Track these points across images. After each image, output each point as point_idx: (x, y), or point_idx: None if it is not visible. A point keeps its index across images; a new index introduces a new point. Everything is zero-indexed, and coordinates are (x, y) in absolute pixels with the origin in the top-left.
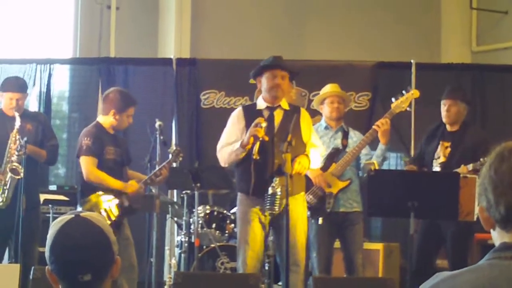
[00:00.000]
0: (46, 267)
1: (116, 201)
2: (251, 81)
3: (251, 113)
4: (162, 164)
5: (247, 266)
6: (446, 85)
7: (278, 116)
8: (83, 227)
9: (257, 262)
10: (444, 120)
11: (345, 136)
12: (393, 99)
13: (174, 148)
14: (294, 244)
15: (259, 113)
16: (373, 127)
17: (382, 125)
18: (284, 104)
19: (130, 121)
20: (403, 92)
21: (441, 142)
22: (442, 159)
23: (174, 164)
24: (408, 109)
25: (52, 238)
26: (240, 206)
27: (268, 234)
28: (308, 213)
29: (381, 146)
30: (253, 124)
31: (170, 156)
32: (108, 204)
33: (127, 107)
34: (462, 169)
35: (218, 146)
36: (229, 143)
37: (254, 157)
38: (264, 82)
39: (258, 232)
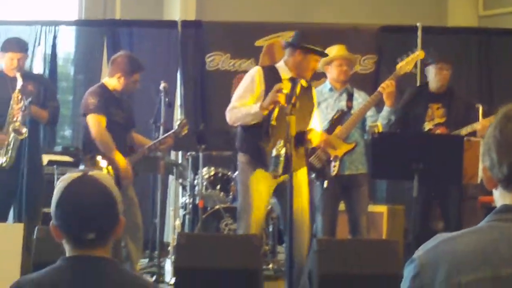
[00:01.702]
0: (51, 221)
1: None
2: (257, 43)
3: (272, 77)
4: (167, 134)
5: (250, 231)
6: (426, 49)
7: (297, 89)
8: (90, 185)
9: (260, 227)
10: (435, 85)
11: (350, 98)
12: (398, 60)
13: (181, 119)
14: (298, 207)
15: (281, 80)
16: (378, 89)
17: (387, 87)
18: (303, 81)
19: (136, 86)
20: (409, 53)
21: (430, 105)
22: (437, 120)
23: (180, 136)
24: (413, 70)
25: (59, 194)
26: (243, 169)
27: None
28: (313, 175)
29: (386, 108)
30: (274, 89)
31: (176, 126)
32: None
33: (134, 72)
34: (464, 131)
35: (230, 106)
36: (243, 104)
37: (272, 122)
38: (303, 60)
39: (261, 200)
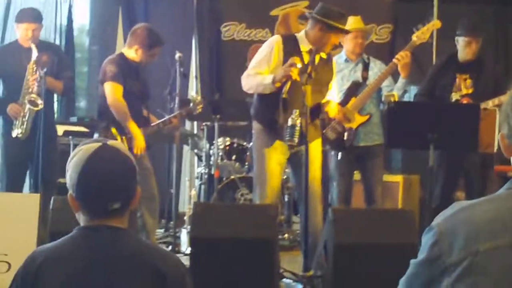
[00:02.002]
0: (69, 193)
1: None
2: (273, 12)
3: (291, 48)
4: (180, 111)
5: (266, 200)
6: (461, 19)
7: (316, 61)
8: (113, 155)
9: (275, 197)
10: (463, 56)
11: (366, 67)
12: (414, 30)
13: (196, 97)
14: (310, 178)
15: (299, 52)
16: (393, 60)
17: (402, 58)
18: (323, 54)
19: (154, 60)
20: (425, 22)
21: (457, 75)
22: (464, 91)
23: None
24: (429, 40)
25: (81, 165)
26: (258, 139)
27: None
28: (328, 147)
29: (401, 79)
30: (287, 64)
31: (191, 104)
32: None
33: (152, 46)
34: (490, 102)
35: (246, 72)
36: (258, 73)
37: (284, 96)
38: (323, 35)
39: (276, 169)
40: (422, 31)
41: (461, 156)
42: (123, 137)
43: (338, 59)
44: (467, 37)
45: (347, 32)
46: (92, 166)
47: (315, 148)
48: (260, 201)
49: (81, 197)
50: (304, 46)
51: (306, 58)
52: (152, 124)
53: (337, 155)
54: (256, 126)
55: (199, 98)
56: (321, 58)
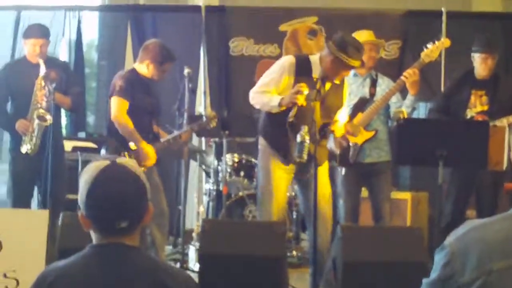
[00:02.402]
0: (80, 211)
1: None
2: (281, 28)
3: (303, 72)
4: (189, 127)
5: (273, 215)
6: (477, 35)
7: (327, 87)
8: (122, 173)
9: (281, 213)
10: (480, 72)
11: (373, 84)
12: (423, 48)
13: (210, 112)
14: (321, 196)
15: (311, 76)
16: (401, 77)
17: (410, 75)
18: (337, 79)
19: (164, 76)
20: (434, 41)
21: (473, 91)
22: (479, 108)
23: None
24: (438, 59)
25: (90, 184)
26: (265, 154)
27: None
28: (335, 163)
29: (410, 97)
30: (294, 90)
31: (204, 119)
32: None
33: (164, 62)
34: (505, 120)
35: (254, 88)
36: (266, 91)
37: (290, 120)
38: (335, 68)
39: (282, 184)
40: (431, 49)
41: (473, 174)
42: (125, 153)
43: None
44: (483, 53)
45: (357, 66)
46: (99, 185)
47: (324, 168)
48: (266, 217)
49: (90, 215)
50: (316, 71)
51: (315, 84)
52: (162, 140)
53: (342, 170)
54: (262, 141)
55: (213, 113)
56: (333, 83)
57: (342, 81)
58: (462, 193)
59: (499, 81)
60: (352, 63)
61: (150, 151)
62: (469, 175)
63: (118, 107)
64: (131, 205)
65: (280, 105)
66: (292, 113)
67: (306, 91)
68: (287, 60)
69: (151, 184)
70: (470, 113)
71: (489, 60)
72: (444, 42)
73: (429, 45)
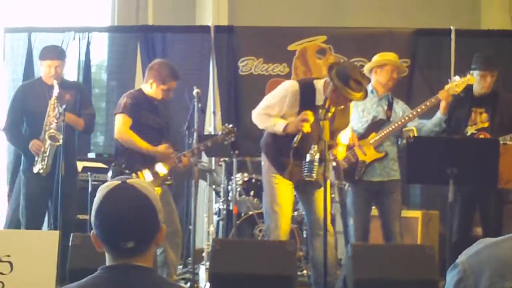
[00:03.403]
0: (92, 231)
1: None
2: (290, 47)
3: (306, 99)
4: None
5: (280, 231)
6: (476, 53)
7: (332, 110)
8: (129, 193)
9: (288, 226)
10: (478, 90)
11: (390, 106)
12: (449, 80)
13: (227, 126)
14: (319, 210)
15: (315, 106)
16: (432, 99)
17: (446, 98)
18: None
19: (169, 95)
20: (460, 76)
21: (473, 109)
22: (480, 125)
23: (225, 142)
24: (461, 94)
25: (97, 203)
26: (267, 169)
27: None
28: (346, 184)
29: (440, 115)
30: (300, 118)
31: (221, 134)
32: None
33: (167, 81)
34: (508, 138)
35: (259, 109)
36: (268, 114)
37: (294, 145)
38: (337, 96)
39: (287, 197)
40: (457, 83)
41: (476, 191)
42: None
43: None
44: (481, 71)
45: (356, 96)
46: (105, 205)
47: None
48: (274, 232)
49: (98, 235)
50: (320, 98)
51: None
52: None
53: (346, 186)
54: (263, 157)
55: (230, 127)
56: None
57: (348, 106)
58: (466, 210)
59: (498, 98)
60: (354, 97)
61: (165, 150)
62: (473, 192)
63: (121, 124)
64: (137, 225)
65: (285, 130)
66: (296, 139)
67: (311, 119)
68: (291, 87)
69: (163, 203)
70: (470, 130)
71: (488, 78)
72: (470, 79)
73: (456, 79)
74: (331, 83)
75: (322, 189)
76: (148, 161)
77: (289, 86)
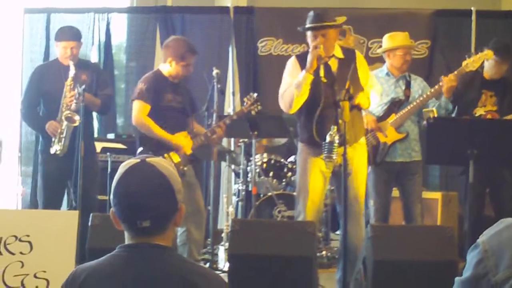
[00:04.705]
0: (111, 209)
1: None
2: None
3: (305, 62)
4: (228, 116)
5: (305, 216)
6: (493, 38)
7: (333, 65)
8: (147, 172)
9: (316, 213)
10: (491, 75)
11: (408, 86)
12: (466, 56)
13: (252, 95)
14: (356, 195)
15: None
16: (439, 83)
17: (449, 81)
18: (338, 53)
19: (190, 70)
20: (478, 51)
21: (483, 91)
22: (489, 107)
23: (252, 112)
24: (479, 70)
25: (116, 181)
26: (301, 155)
27: (328, 184)
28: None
29: (444, 99)
30: (312, 47)
31: (245, 104)
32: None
33: (185, 55)
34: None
35: (281, 91)
36: (290, 84)
37: (323, 80)
38: (311, 36)
39: (318, 183)
40: (474, 59)
41: (488, 171)
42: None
43: (379, 73)
44: (498, 57)
45: (319, 27)
46: (122, 183)
47: (359, 161)
48: (300, 215)
49: (116, 213)
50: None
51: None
52: (199, 135)
53: (368, 168)
54: (299, 144)
55: (254, 95)
56: (339, 59)
57: (349, 54)
58: (478, 191)
59: (508, 84)
60: (311, 25)
61: (181, 140)
62: (484, 172)
63: (138, 110)
64: (154, 204)
65: (307, 70)
66: (322, 73)
67: (322, 45)
68: (290, 60)
69: (188, 183)
70: (479, 111)
71: (503, 65)
72: (488, 53)
73: (472, 54)
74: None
75: (358, 169)
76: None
77: (289, 61)
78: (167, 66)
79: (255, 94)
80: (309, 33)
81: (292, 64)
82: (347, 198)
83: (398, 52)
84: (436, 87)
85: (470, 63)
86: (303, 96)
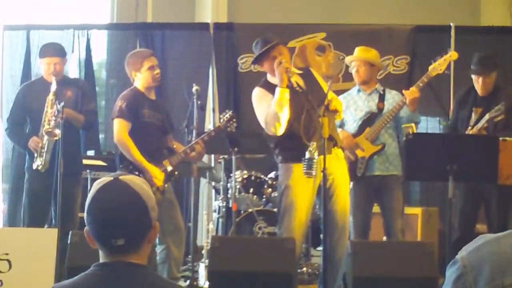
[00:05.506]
0: (85, 228)
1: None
2: (290, 44)
3: (272, 87)
4: (210, 130)
5: (293, 234)
6: (475, 54)
7: (298, 80)
8: (120, 190)
9: (303, 230)
10: (479, 92)
11: (381, 98)
12: (431, 61)
13: (229, 113)
14: (341, 209)
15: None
16: (404, 93)
17: (411, 94)
18: (294, 69)
19: (157, 73)
20: (442, 54)
21: (474, 109)
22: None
23: (228, 129)
24: (446, 71)
25: (89, 199)
26: (286, 173)
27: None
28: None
29: (409, 112)
30: (276, 64)
31: (222, 121)
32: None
33: (142, 60)
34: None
35: (262, 118)
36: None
37: (298, 90)
38: (268, 67)
39: (304, 198)
40: (439, 62)
41: (480, 188)
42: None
43: (352, 92)
44: (475, 74)
45: (268, 51)
46: (95, 201)
47: (341, 178)
48: (286, 233)
49: (91, 232)
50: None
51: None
52: (178, 152)
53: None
54: (282, 166)
55: (232, 113)
56: (299, 74)
57: (310, 73)
58: (469, 207)
59: (498, 97)
60: (267, 51)
61: (155, 172)
62: (476, 189)
63: (119, 128)
64: (127, 222)
65: (281, 86)
66: (294, 80)
67: (284, 59)
68: (255, 91)
69: (165, 200)
70: (471, 131)
71: (484, 79)
72: (452, 55)
73: (437, 58)
74: (330, 81)
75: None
76: (157, 157)
77: (253, 95)
78: (137, 81)
79: (231, 111)
80: (265, 60)
81: (258, 93)
82: (327, 211)
83: (351, 65)
84: (400, 102)
85: (436, 67)
86: (285, 113)
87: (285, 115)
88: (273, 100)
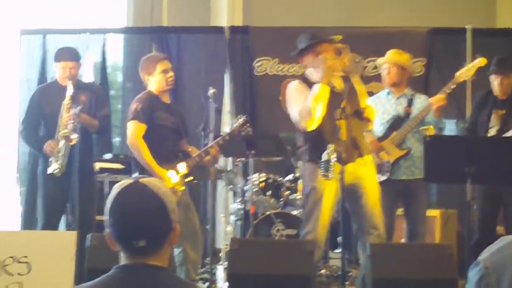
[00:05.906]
0: (106, 230)
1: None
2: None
3: (309, 83)
4: (220, 137)
5: (317, 235)
6: (495, 56)
7: (339, 81)
8: (140, 192)
9: (326, 232)
10: (496, 93)
11: (409, 103)
12: (459, 67)
13: (242, 117)
14: (371, 209)
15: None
16: (429, 101)
17: (438, 100)
18: (338, 70)
19: (168, 77)
20: (470, 60)
21: (494, 111)
22: (497, 128)
23: (242, 133)
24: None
25: (110, 202)
26: (312, 175)
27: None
28: None
29: (435, 118)
30: (321, 60)
31: (235, 125)
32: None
33: (154, 65)
34: None
35: (297, 111)
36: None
37: (338, 90)
38: (310, 62)
39: (329, 203)
40: (468, 68)
41: (500, 189)
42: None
43: (381, 94)
44: (494, 74)
45: (314, 45)
46: (117, 203)
47: (370, 179)
48: (311, 236)
49: (112, 234)
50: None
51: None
52: (193, 156)
53: None
54: (307, 164)
55: (245, 118)
56: (345, 81)
57: (348, 82)
58: (488, 209)
59: None
60: (304, 45)
61: (165, 177)
62: (495, 191)
63: (133, 131)
64: (148, 224)
65: (322, 82)
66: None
67: (329, 57)
68: (294, 83)
69: (182, 204)
70: (491, 133)
71: (504, 81)
72: (481, 61)
73: (465, 64)
74: (302, 58)
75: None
76: (172, 160)
77: (291, 88)
78: (150, 85)
79: (244, 116)
80: (309, 53)
81: (297, 85)
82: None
83: (382, 67)
84: (426, 106)
85: (463, 73)
86: (320, 109)
87: (319, 112)
88: (311, 94)
